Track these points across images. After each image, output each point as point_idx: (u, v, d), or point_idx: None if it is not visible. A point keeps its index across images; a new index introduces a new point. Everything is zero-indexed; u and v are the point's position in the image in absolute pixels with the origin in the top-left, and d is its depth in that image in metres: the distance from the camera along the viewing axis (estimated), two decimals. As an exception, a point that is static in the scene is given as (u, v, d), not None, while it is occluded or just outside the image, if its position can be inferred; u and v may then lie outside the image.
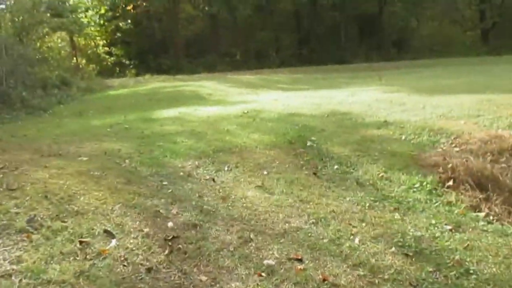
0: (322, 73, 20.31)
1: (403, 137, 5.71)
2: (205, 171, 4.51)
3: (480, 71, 18.16)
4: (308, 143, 5.49)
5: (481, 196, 4.20)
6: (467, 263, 2.91)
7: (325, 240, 3.16)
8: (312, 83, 15.52)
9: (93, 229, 2.91)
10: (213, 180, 4.27)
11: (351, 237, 3.24)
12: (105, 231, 2.91)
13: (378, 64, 23.23)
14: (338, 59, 25.01)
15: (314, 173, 4.61)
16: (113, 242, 2.80)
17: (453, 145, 5.43)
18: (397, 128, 6.08)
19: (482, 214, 3.83)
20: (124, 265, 2.58)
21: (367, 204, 3.91)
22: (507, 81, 11.75)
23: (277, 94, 11.57)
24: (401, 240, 3.20)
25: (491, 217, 3.86)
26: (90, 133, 6.22)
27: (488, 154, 5.13)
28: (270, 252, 2.96)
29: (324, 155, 5.16)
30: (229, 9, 27.91)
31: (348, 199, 4.03)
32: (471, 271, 2.81)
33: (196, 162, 4.72)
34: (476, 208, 4.00)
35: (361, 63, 24.78)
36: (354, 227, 3.41)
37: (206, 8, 28.40)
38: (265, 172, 4.55)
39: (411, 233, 3.33)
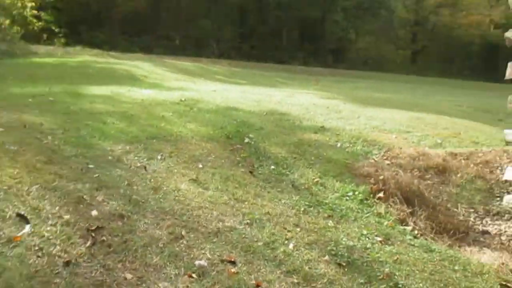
0: (260, 70, 20.38)
1: (339, 145, 5.79)
2: (136, 158, 4.22)
3: (409, 88, 19.28)
4: (246, 140, 5.37)
5: (408, 210, 4.35)
6: (396, 277, 2.95)
7: (259, 243, 3.06)
8: (250, 79, 15.48)
9: (3, 212, 2.55)
10: (145, 168, 4.00)
11: (286, 241, 3.16)
12: (18, 214, 2.58)
13: (316, 69, 23.83)
14: (278, 59, 25.26)
15: (251, 172, 4.50)
16: (27, 228, 2.48)
17: (385, 157, 5.60)
18: (333, 135, 6.16)
19: (409, 228, 3.96)
20: (38, 256, 2.28)
21: (302, 209, 3.87)
22: (433, 102, 12.55)
23: (215, 85, 11.34)
24: (334, 248, 3.19)
25: (416, 232, 3.99)
26: (7, 102, 5.61)
27: (416, 170, 5.35)
28: (202, 252, 2.79)
29: (261, 154, 5.06)
30: (174, -9, 27.08)
31: (283, 201, 3.97)
32: (400, 286, 2.85)
33: (127, 147, 4.40)
34: (403, 222, 4.12)
35: (299, 66, 25.25)
36: (288, 231, 3.34)
37: (149, -15, 27.31)
38: (200, 165, 4.36)
39: (344, 242, 3.33)
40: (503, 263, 3.61)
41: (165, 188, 3.64)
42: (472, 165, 5.74)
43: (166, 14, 28.95)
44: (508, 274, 3.32)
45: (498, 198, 5.20)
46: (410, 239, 3.68)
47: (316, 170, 4.83)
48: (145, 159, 4.22)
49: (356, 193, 4.43)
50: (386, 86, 19.69)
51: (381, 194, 4.44)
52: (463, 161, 5.76)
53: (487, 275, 3.24)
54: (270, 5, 29.19)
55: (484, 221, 4.67)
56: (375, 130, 6.75)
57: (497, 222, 4.67)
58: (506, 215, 4.68)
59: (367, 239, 3.50)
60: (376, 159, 5.47)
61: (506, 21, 32.17)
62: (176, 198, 3.51)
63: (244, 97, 8.66)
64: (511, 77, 4.06)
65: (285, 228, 3.38)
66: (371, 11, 29.63)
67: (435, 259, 3.35)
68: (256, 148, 5.22)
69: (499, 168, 5.89)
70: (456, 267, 3.30)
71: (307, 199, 4.13)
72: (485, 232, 4.55)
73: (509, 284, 3.12)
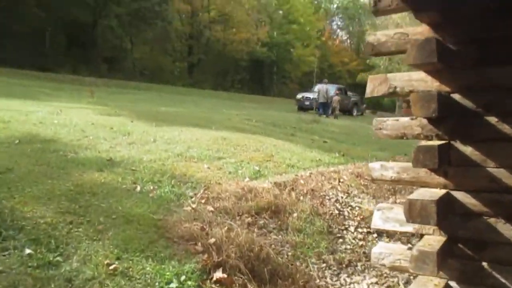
0: (16, 78, 16.44)
1: (138, 188, 3.95)
2: None
3: (191, 101, 18.50)
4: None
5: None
6: None
7: None
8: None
9: None
10: None
11: None
12: None
13: (88, 79, 20.91)
14: (40, 66, 21.23)
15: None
16: None
17: (204, 200, 4.05)
18: (128, 172, 4.28)
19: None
20: None
21: None
22: (223, 116, 11.78)
23: None
24: None
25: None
26: None
27: (246, 215, 3.99)
28: None
29: (6, 224, 2.83)
30: None
31: None
32: None
33: None
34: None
35: (68, 74, 21.82)
36: None
37: None
38: None
39: None
40: None
41: None
42: (301, 198, 4.75)
43: None
44: None
45: (341, 240, 4.29)
46: None
47: (109, 243, 2.88)
48: None
49: (183, 279, 2.71)
50: (168, 98, 18.50)
51: (219, 273, 2.83)
52: (293, 194, 4.70)
53: None
54: (28, 2, 24.50)
55: (341, 280, 3.60)
56: (181, 158, 5.15)
57: (354, 279, 3.66)
58: (371, 271, 3.71)
59: None
60: (194, 206, 3.85)
61: (270, 40, 35.61)
62: None
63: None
64: (373, 95, 3.04)
65: None
66: (147, 21, 28.19)
67: None
68: (-3, 211, 2.94)
69: (327, 197, 5.08)
70: None
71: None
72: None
73: None
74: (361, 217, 4.78)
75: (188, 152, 5.48)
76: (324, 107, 20.21)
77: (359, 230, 4.57)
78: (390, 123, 3.06)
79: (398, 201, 5.59)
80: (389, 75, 3.04)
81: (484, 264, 2.76)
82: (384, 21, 26.22)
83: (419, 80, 2.90)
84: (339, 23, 52.37)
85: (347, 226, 4.55)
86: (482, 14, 2.63)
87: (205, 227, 3.38)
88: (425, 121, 2.88)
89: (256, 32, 33.18)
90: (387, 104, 32.70)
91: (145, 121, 7.72)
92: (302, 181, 5.26)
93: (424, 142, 2.74)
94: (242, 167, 5.32)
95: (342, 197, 5.18)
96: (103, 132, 5.90)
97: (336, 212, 4.76)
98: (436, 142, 2.70)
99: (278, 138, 8.39)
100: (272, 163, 5.84)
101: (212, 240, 3.16)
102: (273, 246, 3.63)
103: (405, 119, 3.01)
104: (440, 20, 2.70)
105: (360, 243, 4.32)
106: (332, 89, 21.65)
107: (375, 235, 4.55)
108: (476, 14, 2.65)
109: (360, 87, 37.95)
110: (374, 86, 3.07)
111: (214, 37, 33.64)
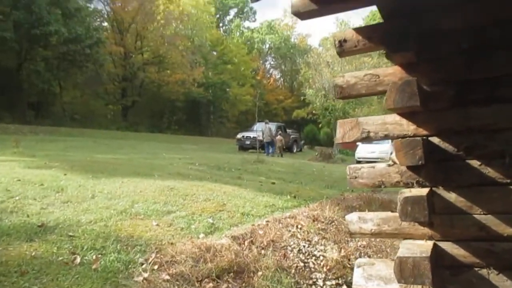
0: None
1: (78, 259, 3.35)
2: None
3: (130, 146, 17.64)
4: None
5: None
6: None
7: None
8: None
9: None
10: None
11: None
12: None
13: (13, 126, 19.42)
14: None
15: None
16: None
17: (157, 266, 3.53)
18: (64, 239, 3.67)
19: None
20: None
21: None
22: (165, 161, 11.21)
23: None
24: None
25: None
26: None
27: (207, 280, 3.51)
28: None
29: None
30: None
31: None
32: None
33: None
34: None
35: (-11, 122, 20.18)
36: None
37: None
38: None
39: None
40: None
41: None
42: (263, 252, 4.35)
43: None
44: None
45: (311, 297, 3.92)
46: None
47: None
48: None
49: None
50: (103, 144, 17.51)
51: None
52: (254, 248, 4.30)
53: None
54: None
55: None
56: (126, 216, 4.58)
57: None
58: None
59: None
60: (146, 275, 3.32)
61: (206, 80, 35.59)
62: None
63: None
64: (344, 140, 2.80)
65: None
66: (77, 64, 26.99)
67: None
68: None
69: (289, 248, 4.73)
70: None
71: None
72: None
73: None
74: (328, 267, 4.47)
75: (133, 207, 4.91)
76: (269, 146, 20.29)
77: (328, 283, 4.24)
78: (365, 171, 2.81)
79: (359, 243, 5.38)
80: (360, 119, 2.81)
81: (481, 322, 2.52)
82: (316, 59, 27.19)
83: (394, 123, 2.70)
84: (272, 62, 53.89)
85: (315, 280, 4.21)
86: (457, 54, 2.50)
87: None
88: (403, 167, 2.67)
89: (192, 73, 33.00)
90: (323, 139, 33.51)
91: (80, 172, 7.01)
92: (260, 232, 4.88)
93: (409, 192, 2.49)
94: (195, 220, 4.84)
95: (304, 246, 4.85)
96: (32, 190, 5.18)
97: (301, 264, 4.41)
98: (423, 192, 2.47)
99: (226, 182, 7.99)
100: (225, 213, 5.41)
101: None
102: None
103: (382, 166, 2.78)
104: (414, 60, 2.54)
105: (332, 298, 3.98)
106: (273, 127, 21.82)
107: (344, 287, 4.24)
108: (451, 54, 2.52)
109: (296, 123, 38.58)
110: (345, 131, 2.83)
111: (149, 78, 32.97)
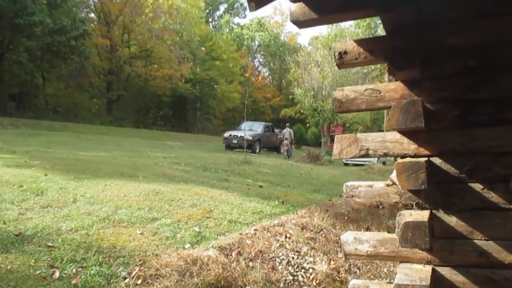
0: None
1: (57, 273, 3.17)
2: None
3: (113, 142, 17.31)
4: None
5: None
6: None
7: None
8: None
9: None
10: None
11: None
12: None
13: (-7, 119, 18.92)
14: None
15: None
16: None
17: (140, 281, 3.36)
18: (43, 250, 3.47)
19: None
20: None
21: None
22: (150, 160, 10.99)
23: None
24: None
25: None
26: None
27: (193, 295, 3.36)
28: None
29: None
30: None
31: None
32: None
33: None
34: None
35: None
36: None
37: None
38: None
39: None
40: None
41: None
42: (251, 264, 4.22)
43: None
44: None
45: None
46: None
47: None
48: None
49: None
50: (86, 139, 17.12)
51: None
52: (241, 260, 4.16)
53: None
54: None
55: None
56: (109, 224, 4.39)
57: None
58: None
59: None
60: (128, 291, 3.16)
61: (193, 76, 35.26)
62: None
63: None
64: (342, 157, 2.67)
65: None
66: (61, 55, 26.39)
67: None
68: None
69: (277, 260, 4.60)
70: None
71: None
72: None
73: None
74: (317, 281, 4.35)
75: (116, 214, 4.73)
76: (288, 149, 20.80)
77: (317, 297, 4.12)
78: (363, 190, 2.68)
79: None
80: (359, 135, 2.68)
81: None
82: (306, 59, 27.11)
83: (394, 142, 2.58)
84: (261, 60, 53.68)
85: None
86: (463, 73, 2.39)
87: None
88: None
89: (179, 68, 32.61)
90: (310, 139, 33.52)
91: (61, 172, 6.77)
92: (248, 242, 4.74)
93: (410, 216, 2.37)
94: (180, 228, 4.68)
95: (293, 258, 4.72)
96: (10, 193, 4.95)
97: (290, 277, 4.29)
98: (425, 216, 2.36)
99: (213, 185, 7.82)
100: (212, 220, 5.25)
101: None
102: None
103: (380, 185, 2.66)
104: (418, 77, 2.42)
105: (321, 314, 3.87)
106: (259, 126, 21.68)
107: (334, 302, 4.13)
108: (457, 72, 2.41)
109: (284, 122, 38.69)
110: (342, 147, 2.70)
111: (135, 72, 32.48)
